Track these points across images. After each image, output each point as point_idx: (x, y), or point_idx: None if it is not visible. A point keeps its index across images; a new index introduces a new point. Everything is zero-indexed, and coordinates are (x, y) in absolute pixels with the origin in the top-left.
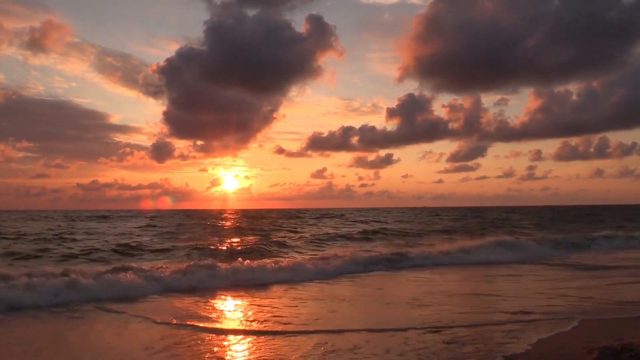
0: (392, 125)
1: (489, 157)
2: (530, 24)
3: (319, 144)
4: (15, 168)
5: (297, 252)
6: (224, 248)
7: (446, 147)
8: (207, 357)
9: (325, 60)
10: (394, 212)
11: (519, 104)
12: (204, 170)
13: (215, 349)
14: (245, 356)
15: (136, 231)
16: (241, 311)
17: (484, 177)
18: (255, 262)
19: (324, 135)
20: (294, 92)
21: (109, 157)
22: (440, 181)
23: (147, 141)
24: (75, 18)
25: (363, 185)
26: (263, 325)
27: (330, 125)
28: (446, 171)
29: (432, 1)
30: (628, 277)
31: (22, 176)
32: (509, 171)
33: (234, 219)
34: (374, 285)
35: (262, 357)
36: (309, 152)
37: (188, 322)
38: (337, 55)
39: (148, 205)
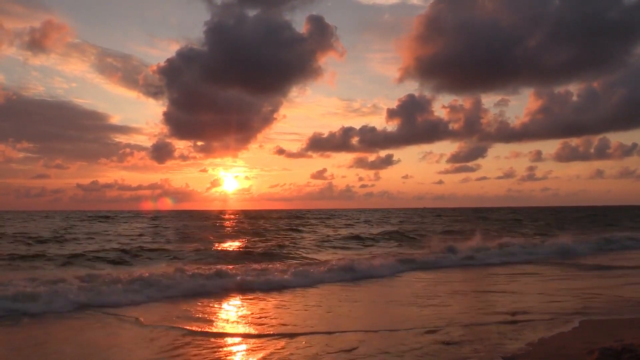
0: (392, 126)
1: (489, 157)
2: (531, 24)
3: (319, 144)
4: (16, 168)
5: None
6: (274, 250)
7: (446, 147)
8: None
9: (326, 60)
10: (399, 213)
11: (519, 105)
12: (204, 170)
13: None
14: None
15: (146, 232)
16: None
17: (484, 178)
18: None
19: (324, 135)
20: (294, 92)
21: (109, 157)
22: (440, 182)
23: (147, 142)
24: (76, 18)
25: (363, 186)
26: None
27: (330, 125)
28: (446, 172)
29: (432, 2)
30: (630, 277)
31: (22, 176)
32: (509, 172)
33: (246, 220)
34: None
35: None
36: (309, 153)
37: (208, 329)
38: (337, 55)
39: (148, 206)
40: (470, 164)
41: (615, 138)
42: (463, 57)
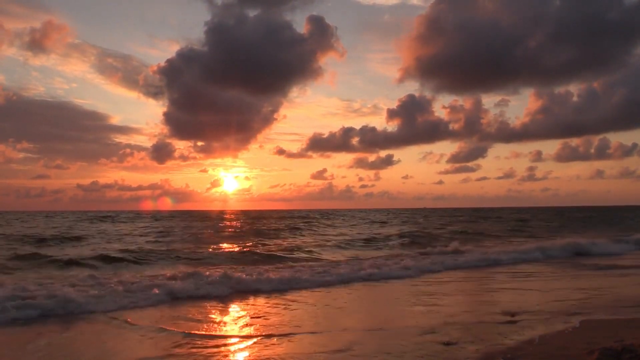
0: (392, 126)
1: (490, 158)
2: (531, 25)
3: (320, 144)
4: (16, 169)
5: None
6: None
7: (447, 148)
8: None
9: (326, 61)
10: (400, 213)
11: (519, 105)
12: (205, 171)
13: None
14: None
15: (163, 233)
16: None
17: (484, 178)
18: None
19: (325, 136)
20: (294, 92)
21: (109, 158)
22: (440, 182)
23: (147, 142)
24: (76, 19)
25: (363, 186)
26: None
27: (330, 126)
28: (446, 172)
29: (432, 2)
30: (632, 277)
31: (22, 177)
32: (509, 172)
33: (252, 220)
34: None
35: None
36: (310, 153)
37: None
38: (337, 56)
39: (148, 206)
40: (470, 164)
41: (616, 138)
42: (463, 58)
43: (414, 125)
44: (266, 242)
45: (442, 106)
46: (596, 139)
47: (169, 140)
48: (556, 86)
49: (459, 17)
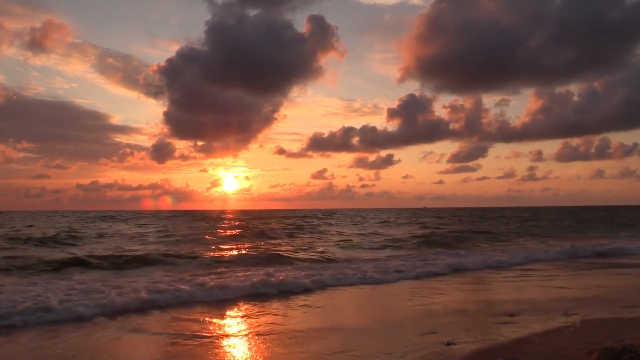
0: (392, 126)
1: (490, 157)
2: (532, 25)
3: (320, 144)
4: (16, 169)
5: None
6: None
7: (447, 147)
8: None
9: (326, 60)
10: (401, 213)
11: (520, 105)
12: (205, 170)
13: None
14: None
15: (175, 234)
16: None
17: (484, 178)
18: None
19: (325, 135)
20: (294, 92)
21: (109, 157)
22: (440, 182)
23: (147, 142)
24: (76, 18)
25: (363, 186)
26: None
27: (331, 125)
28: (447, 172)
29: (433, 2)
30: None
31: (22, 177)
32: (509, 172)
33: (256, 220)
34: None
35: None
36: (310, 153)
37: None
38: (338, 55)
39: (148, 205)
40: (470, 163)
41: (616, 138)
42: (464, 57)
43: (415, 125)
44: (296, 244)
45: (442, 106)
46: (596, 139)
47: (169, 140)
48: (557, 86)
49: (459, 16)
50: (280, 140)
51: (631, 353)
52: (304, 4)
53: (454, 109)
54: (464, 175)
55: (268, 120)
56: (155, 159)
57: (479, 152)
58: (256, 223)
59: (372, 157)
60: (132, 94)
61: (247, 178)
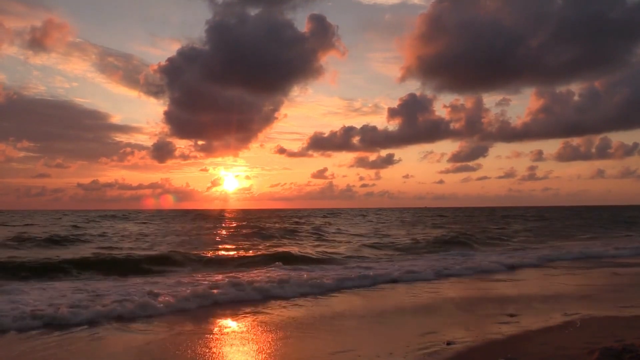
0: (393, 125)
1: (490, 157)
2: (533, 24)
3: (320, 144)
4: (16, 168)
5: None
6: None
7: (447, 147)
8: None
9: (327, 60)
10: (403, 213)
11: (520, 104)
12: (205, 170)
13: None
14: None
15: (188, 235)
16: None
17: (485, 178)
18: None
19: (325, 135)
20: (295, 92)
21: (109, 157)
22: (441, 181)
23: (148, 141)
24: (77, 18)
25: (364, 186)
26: None
27: (331, 125)
28: (447, 171)
29: (434, 1)
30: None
31: (22, 176)
32: (510, 171)
33: (260, 220)
34: None
35: None
36: (310, 152)
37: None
38: (338, 55)
39: (149, 205)
40: (471, 163)
41: (617, 138)
42: (464, 57)
43: (415, 125)
44: (318, 243)
45: (443, 105)
46: (597, 139)
47: (169, 139)
48: (557, 85)
49: (460, 16)
50: (280, 139)
51: (631, 353)
52: (305, 3)
53: (454, 108)
54: (464, 174)
55: (268, 119)
56: (155, 158)
57: (480, 152)
58: (286, 224)
59: (372, 157)
60: (133, 93)
61: (247, 177)
